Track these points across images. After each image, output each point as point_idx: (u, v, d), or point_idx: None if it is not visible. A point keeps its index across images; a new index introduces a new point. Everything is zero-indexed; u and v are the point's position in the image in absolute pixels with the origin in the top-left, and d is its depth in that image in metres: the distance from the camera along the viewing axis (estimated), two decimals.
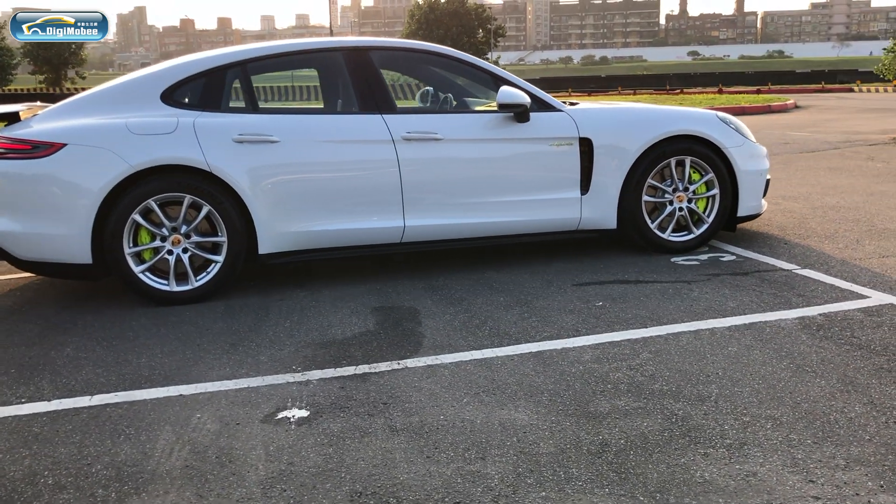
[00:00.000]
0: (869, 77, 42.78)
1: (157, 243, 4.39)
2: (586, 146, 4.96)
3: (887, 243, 5.31)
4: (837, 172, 8.99)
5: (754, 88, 33.47)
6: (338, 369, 3.39)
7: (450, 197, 4.78)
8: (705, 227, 5.23)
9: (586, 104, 5.35)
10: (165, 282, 4.42)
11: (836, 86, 39.46)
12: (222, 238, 4.44)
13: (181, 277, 4.45)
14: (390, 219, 4.70)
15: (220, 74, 4.64)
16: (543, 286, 4.57)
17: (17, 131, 4.37)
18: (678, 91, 35.54)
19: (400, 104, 4.98)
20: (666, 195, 5.15)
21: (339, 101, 5.06)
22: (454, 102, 5.37)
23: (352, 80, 4.79)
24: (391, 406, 3.00)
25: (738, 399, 2.97)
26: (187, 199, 4.35)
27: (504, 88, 4.75)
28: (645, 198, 5.08)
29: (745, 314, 3.95)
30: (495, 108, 4.96)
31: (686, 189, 5.16)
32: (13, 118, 4.50)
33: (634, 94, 37.55)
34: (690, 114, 5.28)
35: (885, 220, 6.07)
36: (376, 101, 4.74)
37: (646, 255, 5.18)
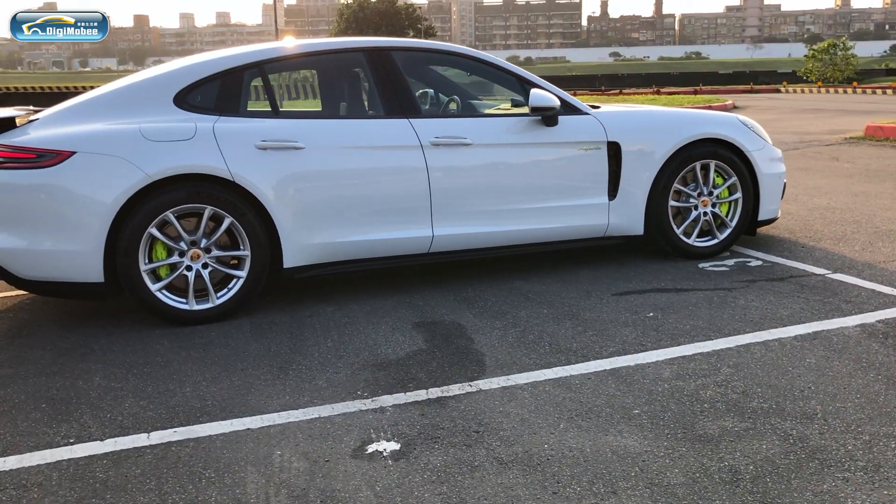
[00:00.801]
0: (792, 78, 44.30)
1: (175, 259, 4.06)
2: (614, 150, 4.82)
3: None
4: (810, 173, 9.10)
5: (691, 89, 34.17)
6: (408, 394, 3.16)
7: (479, 204, 4.58)
8: (728, 231, 5.16)
9: (608, 107, 5.22)
10: (184, 300, 4.09)
11: (763, 87, 40.66)
12: (245, 252, 4.14)
13: (200, 295, 4.13)
14: (418, 228, 4.47)
15: (237, 76, 4.32)
16: (582, 296, 4.41)
17: (16, 138, 3.98)
18: (617, 92, 35.96)
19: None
20: (691, 199, 5.05)
21: (364, 105, 4.78)
22: (460, 105, 5.17)
23: (375, 82, 4.54)
24: (485, 434, 2.79)
25: (846, 416, 2.86)
26: (207, 210, 4.03)
27: (535, 91, 4.57)
28: (671, 202, 4.97)
29: (804, 322, 3.86)
30: (519, 112, 4.79)
31: (710, 193, 5.08)
32: (8, 124, 4.09)
33: (574, 94, 37.78)
34: (714, 117, 5.20)
35: (886, 222, 6.12)
36: (401, 104, 4.51)
37: (670, 260, 5.08)
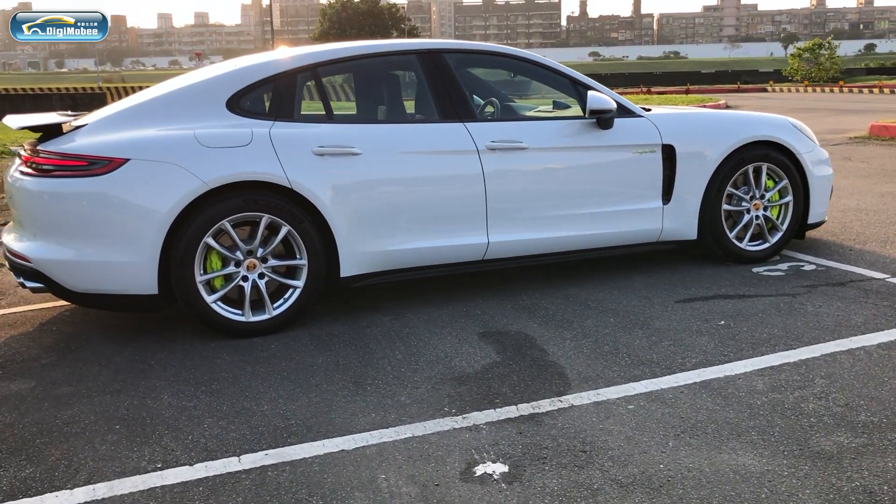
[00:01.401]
0: (778, 78, 44.57)
1: (231, 269, 3.91)
2: (668, 153, 4.72)
3: None
4: None
5: (682, 88, 34.23)
6: (498, 411, 3.03)
7: (535, 210, 4.46)
8: (780, 235, 5.07)
9: (659, 109, 5.12)
10: (239, 311, 3.95)
11: (750, 86, 40.86)
12: (302, 261, 3.99)
13: (255, 306, 3.98)
14: (473, 235, 4.35)
15: (290, 79, 4.18)
16: (644, 303, 4.31)
17: (65, 145, 3.81)
18: None
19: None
20: (743, 203, 4.97)
21: (418, 109, 4.64)
22: (499, 107, 5.05)
23: (429, 85, 4.41)
24: (594, 454, 2.67)
25: None
26: (265, 218, 3.89)
27: (593, 94, 4.46)
28: (724, 206, 4.88)
29: (882, 330, 3.78)
30: (572, 115, 4.69)
31: (762, 196, 4.99)
32: (55, 130, 3.92)
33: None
34: (767, 119, 5.11)
35: None
36: (456, 107, 4.38)
37: (722, 265, 4.99)
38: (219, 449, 2.78)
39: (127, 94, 36.14)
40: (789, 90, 37.32)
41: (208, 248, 3.83)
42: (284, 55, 4.36)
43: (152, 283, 3.79)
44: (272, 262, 3.98)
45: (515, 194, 4.40)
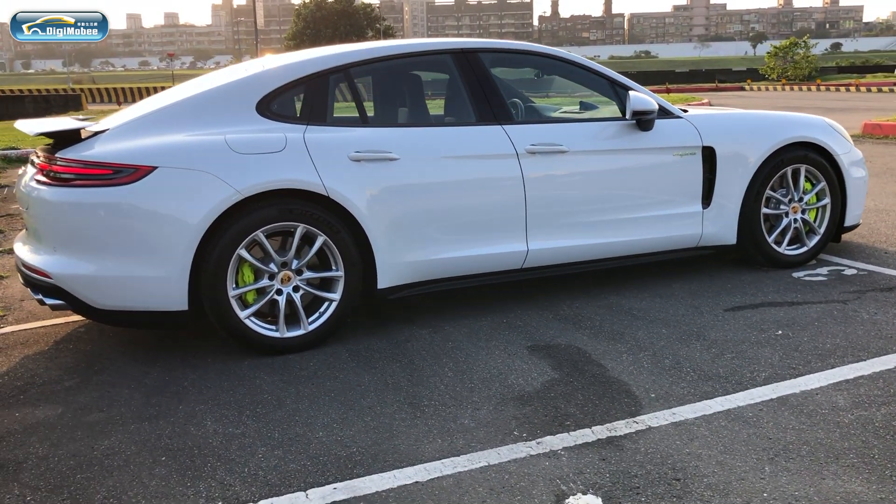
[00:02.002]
0: (755, 76, 44.85)
1: (265, 282, 3.69)
2: (708, 155, 4.56)
3: None
4: None
5: (662, 87, 34.27)
6: (572, 434, 2.84)
7: (574, 216, 4.28)
8: (817, 238, 4.93)
9: (697, 110, 4.96)
10: (273, 327, 3.72)
11: (728, 85, 41.05)
12: (338, 272, 3.78)
13: (289, 320, 3.76)
14: (512, 242, 4.15)
15: (321, 81, 3.95)
16: (692, 312, 4.14)
17: (86, 152, 3.56)
18: None
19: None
20: (781, 206, 4.82)
21: (454, 111, 4.42)
22: (522, 108, 4.86)
23: (465, 86, 4.21)
24: (689, 483, 2.49)
25: None
26: (300, 228, 3.66)
27: (635, 95, 4.28)
28: (764, 210, 4.73)
29: None
30: (608, 116, 4.51)
31: (800, 199, 4.85)
32: (73, 137, 3.66)
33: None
34: (804, 120, 4.97)
35: None
36: (493, 109, 4.18)
37: (759, 270, 4.84)
38: (281, 483, 2.55)
39: (102, 95, 35.54)
40: (767, 88, 37.55)
41: (240, 260, 3.60)
42: (314, 55, 4.13)
43: (182, 299, 3.55)
44: (307, 274, 3.76)
45: (555, 199, 4.21)
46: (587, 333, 3.88)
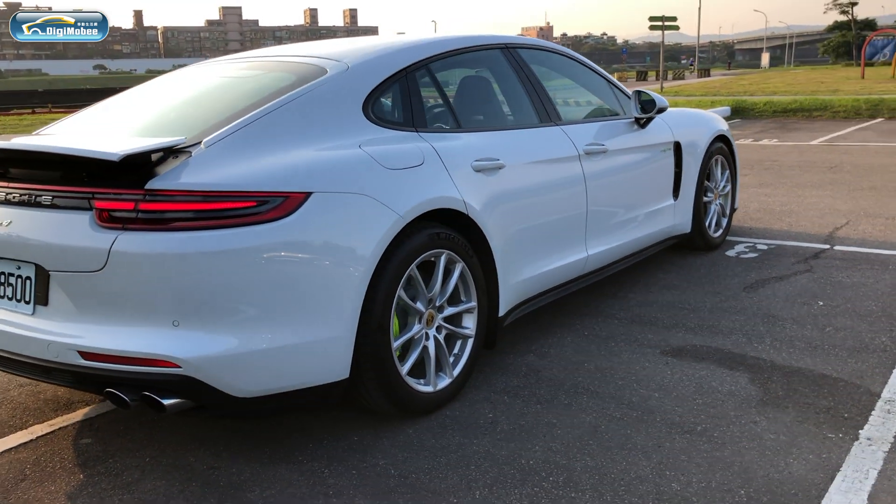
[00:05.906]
0: None
1: (417, 327, 2.97)
2: (676, 150, 4.79)
3: None
4: (829, 187, 7.91)
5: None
6: None
7: (616, 216, 4.19)
8: (726, 221, 5.49)
9: None
10: (422, 380, 3.02)
11: None
12: (471, 303, 3.20)
13: (420, 371, 3.07)
14: (576, 250, 3.90)
15: (412, 77, 3.27)
16: (725, 295, 4.32)
17: (197, 179, 2.48)
18: None
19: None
20: (709, 193, 5.26)
21: (519, 111, 3.92)
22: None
23: (521, 83, 3.84)
24: None
25: None
26: (444, 256, 3.03)
27: (653, 94, 4.34)
28: (704, 198, 5.13)
29: None
30: (611, 115, 4.47)
31: (716, 187, 5.34)
32: (142, 163, 2.51)
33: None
34: (716, 115, 5.47)
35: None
36: (547, 109, 3.89)
37: (687, 255, 5.20)
38: None
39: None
40: None
41: (396, 303, 2.86)
42: (392, 46, 3.40)
43: (345, 364, 2.69)
44: (448, 310, 3.13)
45: (605, 200, 4.07)
46: (704, 334, 3.84)
